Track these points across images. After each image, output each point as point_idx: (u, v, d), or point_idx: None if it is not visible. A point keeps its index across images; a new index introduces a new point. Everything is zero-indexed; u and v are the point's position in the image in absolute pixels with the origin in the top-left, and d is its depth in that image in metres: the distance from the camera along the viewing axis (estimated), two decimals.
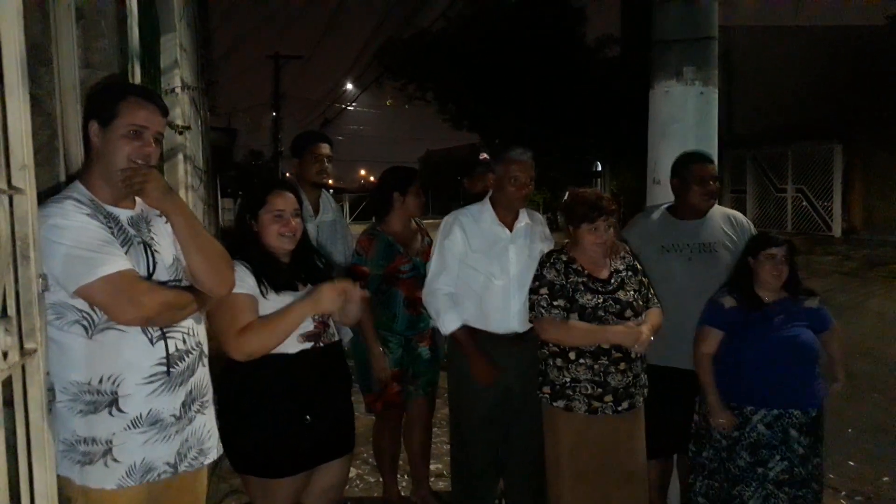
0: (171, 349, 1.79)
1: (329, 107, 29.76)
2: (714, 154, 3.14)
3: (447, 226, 2.95)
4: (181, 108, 4.71)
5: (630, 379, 2.62)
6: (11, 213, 1.41)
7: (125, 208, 1.80)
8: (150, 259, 1.78)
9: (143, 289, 1.70)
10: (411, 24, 18.14)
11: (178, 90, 4.49)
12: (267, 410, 2.21)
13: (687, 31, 3.14)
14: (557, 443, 2.66)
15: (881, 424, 4.62)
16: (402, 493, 3.53)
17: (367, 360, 3.19)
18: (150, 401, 1.75)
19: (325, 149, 3.44)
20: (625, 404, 2.62)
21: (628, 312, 2.61)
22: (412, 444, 3.39)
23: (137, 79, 2.56)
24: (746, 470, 2.64)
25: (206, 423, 1.94)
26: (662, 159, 3.21)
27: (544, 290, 2.64)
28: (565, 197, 2.76)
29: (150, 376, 1.75)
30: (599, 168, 21.42)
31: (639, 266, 2.77)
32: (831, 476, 3.65)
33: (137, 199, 1.83)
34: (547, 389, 2.68)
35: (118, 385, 1.71)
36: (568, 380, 2.61)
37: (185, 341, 1.83)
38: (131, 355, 1.72)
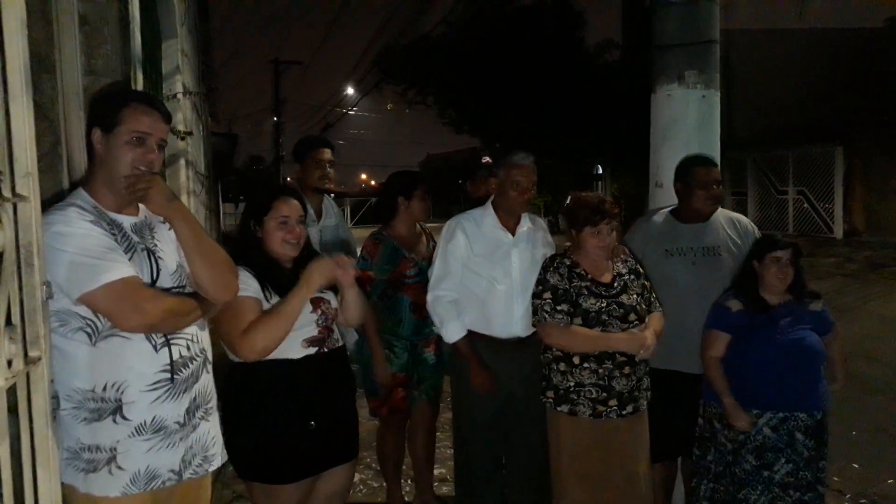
0: (175, 356, 1.78)
1: (330, 111, 29.82)
2: (717, 157, 3.14)
3: (450, 230, 2.95)
4: (183, 114, 4.72)
5: (634, 382, 2.62)
6: (16, 221, 1.40)
7: (129, 215, 1.80)
8: (154, 266, 1.78)
9: (147, 296, 1.70)
10: (412, 30, 18.19)
11: (179, 96, 4.50)
12: (271, 416, 2.20)
13: (688, 35, 3.14)
14: (561, 447, 2.66)
15: (885, 426, 4.60)
16: (406, 499, 3.52)
17: (372, 365, 3.18)
18: (154, 408, 1.75)
19: (327, 154, 3.44)
20: (629, 408, 2.61)
21: (632, 316, 2.61)
22: (416, 449, 3.38)
23: (140, 85, 2.56)
24: (752, 473, 2.63)
25: (211, 429, 1.94)
26: (665, 163, 3.21)
27: (548, 295, 2.64)
28: (568, 201, 2.76)
29: (155, 383, 1.75)
30: (600, 171, 21.43)
31: (641, 269, 2.77)
32: (835, 479, 3.64)
33: (141, 205, 1.83)
34: (550, 394, 2.67)
35: (122, 392, 1.70)
36: (572, 384, 2.61)
37: (189, 348, 1.82)
38: (135, 362, 1.72)
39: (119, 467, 1.72)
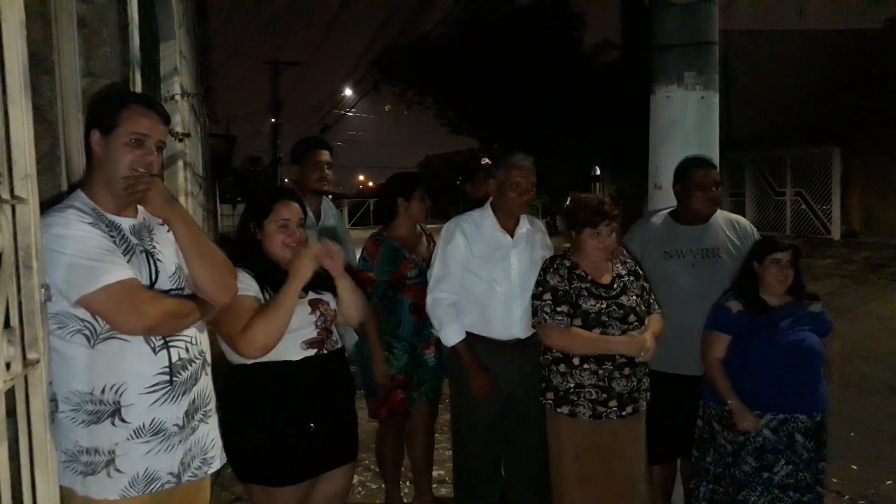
0: (174, 358, 1.78)
1: (328, 113, 29.82)
2: (716, 159, 3.15)
3: (449, 231, 2.95)
4: (181, 116, 4.71)
5: (634, 384, 2.62)
6: (14, 223, 1.40)
7: (127, 217, 1.79)
8: (153, 268, 1.78)
9: (146, 298, 1.69)
10: (411, 30, 18.20)
11: (177, 97, 4.49)
12: (270, 418, 2.20)
13: (687, 36, 3.14)
14: (561, 448, 2.66)
15: (883, 427, 4.61)
16: (405, 500, 3.52)
17: (372, 365, 3.18)
18: (153, 410, 1.74)
19: (326, 156, 3.43)
20: (629, 409, 2.61)
21: (631, 317, 2.61)
22: (415, 451, 3.38)
23: (138, 87, 2.56)
24: (752, 475, 2.63)
25: (210, 432, 1.93)
26: (664, 164, 3.21)
27: (548, 296, 2.64)
28: (567, 202, 2.76)
29: (153, 386, 1.74)
30: (598, 172, 21.46)
31: (640, 271, 2.77)
32: (834, 480, 3.64)
33: (139, 207, 1.83)
34: (550, 395, 2.67)
35: (121, 395, 1.70)
36: (572, 385, 2.61)
37: (188, 350, 1.82)
38: (134, 365, 1.72)
39: (118, 470, 1.71)
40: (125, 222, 1.78)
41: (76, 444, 1.69)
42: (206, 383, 1.90)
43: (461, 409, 3.01)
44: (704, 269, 2.90)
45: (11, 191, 1.39)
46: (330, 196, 3.69)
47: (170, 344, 1.78)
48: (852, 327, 7.14)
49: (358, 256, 3.40)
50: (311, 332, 2.28)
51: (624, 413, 2.60)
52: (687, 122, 3.18)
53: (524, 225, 2.95)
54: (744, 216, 3.20)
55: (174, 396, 1.78)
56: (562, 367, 2.63)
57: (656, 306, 2.75)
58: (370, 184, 47.71)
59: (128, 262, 1.71)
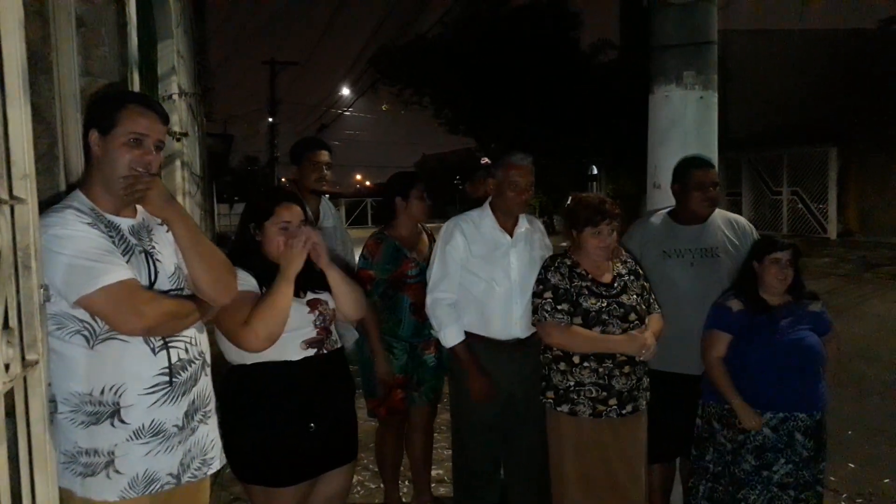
0: (174, 359, 1.77)
1: (325, 112, 29.80)
2: (714, 158, 3.15)
3: (448, 231, 2.94)
4: (178, 115, 4.70)
5: (634, 382, 2.62)
6: (13, 224, 1.39)
7: (126, 217, 1.79)
8: (152, 268, 1.77)
9: (145, 298, 1.69)
10: (407, 31, 18.21)
11: (175, 97, 4.48)
12: (270, 418, 2.20)
13: (686, 36, 3.14)
14: (561, 447, 2.66)
15: (881, 426, 4.62)
16: (404, 500, 3.51)
17: (371, 365, 3.19)
18: (152, 411, 1.73)
19: (325, 156, 3.43)
20: (629, 407, 2.62)
21: (632, 316, 2.61)
22: (414, 451, 3.38)
23: (136, 86, 2.55)
24: (751, 473, 2.63)
25: (209, 433, 1.93)
26: (662, 164, 3.21)
27: (548, 294, 2.64)
28: (569, 201, 2.76)
29: (153, 386, 1.74)
30: (595, 172, 21.47)
31: (641, 271, 2.77)
32: (832, 478, 3.65)
33: (139, 207, 1.82)
34: (550, 394, 2.67)
35: (120, 396, 1.69)
36: (572, 384, 2.61)
37: (187, 351, 1.81)
38: (133, 365, 1.71)
39: (117, 471, 1.70)
40: (124, 222, 1.77)
41: (75, 445, 1.68)
42: (205, 384, 1.90)
43: (461, 410, 3.01)
44: (703, 269, 2.90)
45: (10, 191, 1.39)
46: (328, 195, 3.69)
47: (169, 345, 1.77)
48: (849, 326, 7.15)
49: (357, 255, 3.40)
50: (311, 332, 2.27)
51: (624, 412, 2.61)
52: (686, 122, 3.18)
53: (523, 224, 2.95)
54: (741, 215, 3.20)
55: (174, 397, 1.77)
56: (562, 366, 2.63)
57: (656, 306, 2.75)
58: (367, 183, 47.68)
59: (127, 262, 1.70)
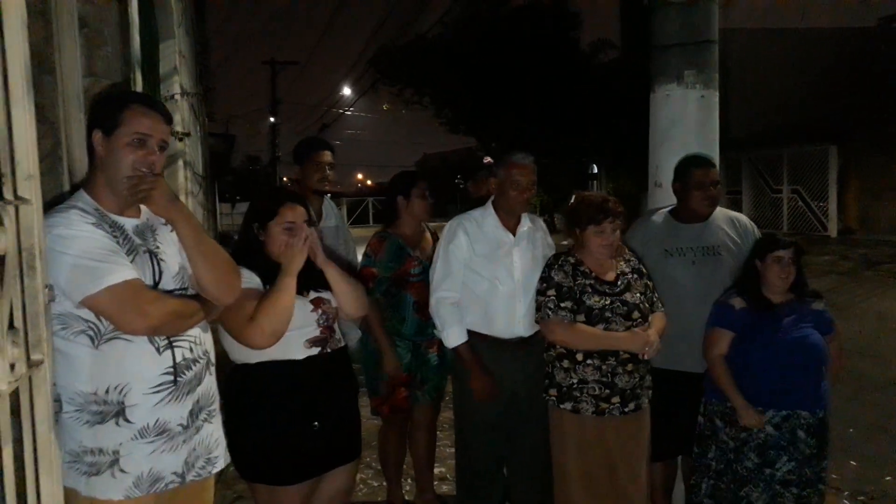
0: (179, 358, 1.78)
1: (326, 112, 29.81)
2: (716, 157, 3.15)
3: (451, 230, 2.95)
4: (181, 115, 4.72)
5: (637, 380, 2.63)
6: (18, 224, 1.40)
7: (130, 217, 1.79)
8: (156, 268, 1.78)
9: (150, 298, 1.69)
10: (408, 30, 18.23)
11: (177, 97, 4.50)
12: (274, 417, 2.20)
13: (687, 35, 3.14)
14: (564, 445, 2.66)
15: (882, 424, 4.62)
16: (406, 498, 3.52)
17: (374, 363, 3.20)
18: (157, 410, 1.74)
19: (327, 156, 3.44)
20: (631, 405, 2.62)
21: (635, 314, 2.62)
22: (417, 449, 3.39)
23: (139, 87, 2.56)
24: (754, 471, 2.64)
25: (214, 431, 1.93)
26: (664, 163, 3.22)
27: (552, 292, 2.65)
28: (572, 199, 2.77)
29: (157, 386, 1.74)
30: (595, 171, 21.47)
31: (644, 269, 2.78)
32: (834, 476, 3.64)
33: (143, 207, 1.83)
34: (553, 392, 2.68)
35: (125, 395, 1.70)
36: (575, 381, 2.62)
37: (192, 350, 1.82)
38: (138, 365, 1.72)
39: (122, 470, 1.71)
40: (128, 222, 1.78)
41: (80, 444, 1.69)
42: (210, 383, 1.90)
43: (464, 409, 3.00)
44: (705, 267, 2.90)
45: (15, 191, 1.39)
46: (329, 195, 3.70)
47: (174, 344, 1.78)
48: (849, 324, 7.15)
49: (360, 255, 3.41)
50: (314, 331, 2.28)
51: (627, 409, 2.61)
52: (687, 121, 3.18)
53: (525, 223, 2.95)
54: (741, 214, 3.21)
55: (178, 396, 1.78)
56: (565, 363, 2.64)
57: (660, 304, 2.76)
58: (369, 182, 47.68)
59: (131, 262, 1.71)
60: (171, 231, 1.86)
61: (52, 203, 1.74)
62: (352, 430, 2.44)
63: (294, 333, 2.21)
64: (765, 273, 2.68)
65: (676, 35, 3.17)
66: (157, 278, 1.77)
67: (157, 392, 1.74)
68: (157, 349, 1.74)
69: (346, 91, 27.70)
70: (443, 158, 33.53)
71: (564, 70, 15.97)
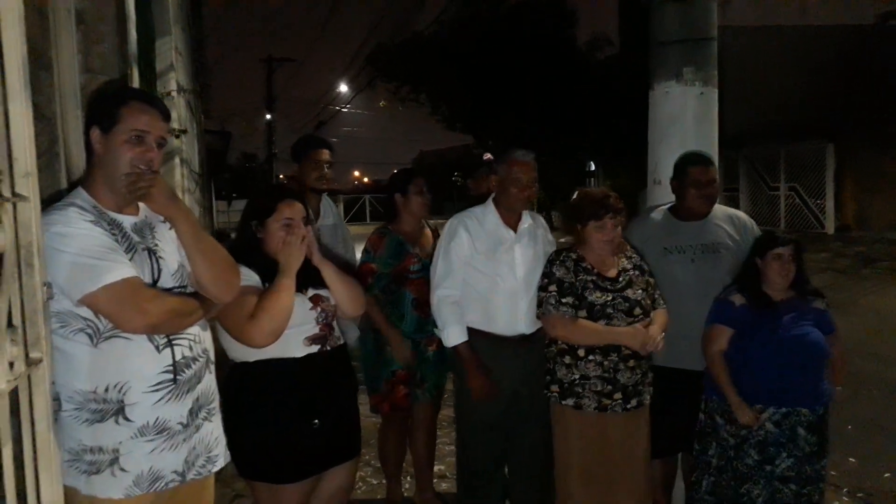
0: (178, 356, 1.77)
1: (323, 109, 29.74)
2: (715, 154, 3.14)
3: (452, 228, 2.94)
4: (177, 112, 4.69)
5: (639, 376, 2.63)
6: (15, 221, 1.39)
7: (129, 214, 1.78)
8: (155, 266, 1.77)
9: (149, 296, 1.68)
10: (405, 27, 18.21)
11: (174, 94, 4.47)
12: (274, 415, 2.20)
13: (686, 32, 3.14)
14: (567, 441, 2.66)
15: (880, 421, 4.63)
16: (406, 496, 3.52)
17: (374, 360, 3.19)
18: (157, 409, 1.73)
19: (326, 155, 3.44)
20: (633, 402, 2.62)
21: (637, 311, 2.62)
22: (417, 447, 3.39)
23: (136, 83, 2.54)
24: (754, 468, 2.64)
25: (214, 430, 1.92)
26: (663, 160, 3.21)
27: (553, 288, 2.65)
28: (574, 196, 2.77)
29: (157, 384, 1.73)
30: (593, 168, 21.48)
31: (646, 266, 2.78)
32: (833, 473, 3.65)
33: (141, 205, 1.82)
34: (555, 388, 2.68)
35: (124, 393, 1.69)
36: (577, 377, 2.61)
37: (191, 348, 1.81)
38: (137, 363, 1.71)
39: (122, 469, 1.70)
40: (127, 220, 1.76)
41: (80, 443, 1.68)
42: (209, 381, 1.90)
43: (465, 408, 2.99)
44: (704, 265, 2.90)
45: (12, 188, 1.38)
46: (326, 192, 3.70)
47: (173, 342, 1.77)
48: (847, 321, 7.15)
49: (358, 253, 3.41)
50: (313, 329, 2.27)
51: (629, 406, 2.61)
52: (686, 118, 3.18)
53: (526, 220, 2.94)
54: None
55: (178, 395, 1.77)
56: (567, 359, 2.64)
57: (661, 301, 2.75)
58: (365, 180, 47.64)
59: (130, 260, 1.70)
60: (170, 229, 1.85)
61: (50, 200, 1.73)
62: (351, 428, 2.44)
63: (293, 331, 2.20)
64: (765, 270, 2.68)
65: (676, 32, 3.17)
66: (155, 276, 1.76)
67: (157, 390, 1.73)
68: (157, 347, 1.74)
69: (343, 88, 27.64)
70: (440, 156, 33.52)
71: (561, 67, 15.97)
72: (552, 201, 18.33)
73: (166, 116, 1.84)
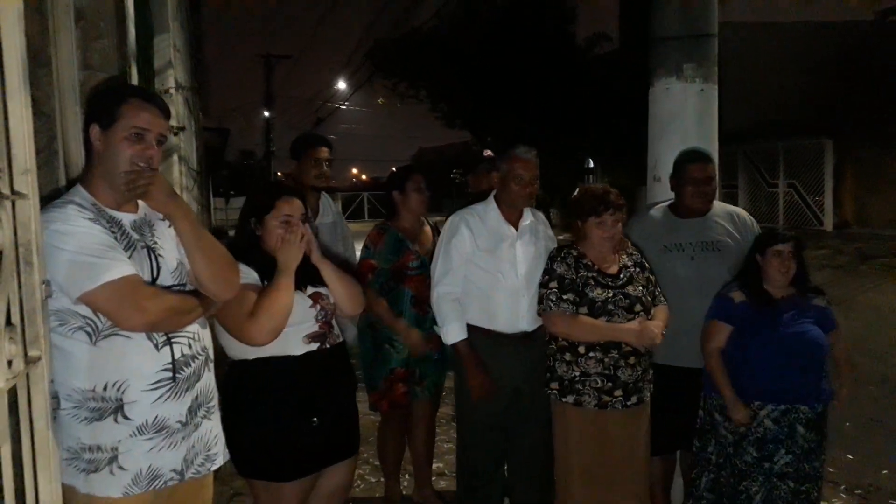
0: (177, 354, 1.76)
1: (321, 106, 29.70)
2: (714, 151, 3.14)
3: (453, 225, 2.93)
4: (175, 109, 4.66)
5: (639, 373, 2.63)
6: (14, 219, 1.38)
7: (128, 212, 1.77)
8: (154, 263, 1.76)
9: (148, 294, 1.68)
10: (403, 24, 18.17)
11: (172, 91, 4.45)
12: (273, 413, 2.19)
13: (686, 29, 3.14)
14: (567, 438, 2.67)
15: (878, 417, 4.64)
16: (404, 493, 3.52)
17: (372, 358, 3.21)
18: (155, 407, 1.72)
19: (325, 152, 3.44)
20: (633, 398, 2.62)
21: (637, 307, 2.62)
22: (416, 445, 3.39)
23: (135, 80, 2.53)
24: (753, 465, 2.64)
25: (213, 428, 1.92)
26: (663, 157, 3.21)
27: (554, 284, 2.65)
28: (575, 192, 2.77)
29: (156, 382, 1.73)
30: (591, 165, 21.46)
31: (646, 263, 2.77)
32: (830, 470, 3.65)
33: (140, 202, 1.81)
34: (555, 385, 2.68)
35: (123, 392, 1.68)
36: (577, 374, 2.61)
37: (190, 346, 1.80)
38: (136, 361, 1.70)
39: (121, 467, 1.69)
40: (126, 217, 1.76)
41: (78, 441, 1.67)
42: (208, 379, 1.89)
43: (465, 406, 2.99)
44: (704, 263, 2.90)
45: (11, 186, 1.37)
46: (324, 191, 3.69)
47: (172, 340, 1.76)
48: (845, 318, 7.15)
49: (358, 250, 3.41)
50: (313, 326, 2.27)
51: (629, 403, 2.61)
52: (686, 115, 3.18)
53: (528, 217, 2.94)
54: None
55: (177, 393, 1.76)
56: (567, 356, 2.64)
57: (662, 298, 2.75)
58: (364, 177, 47.63)
59: (129, 257, 1.69)
60: (169, 226, 1.85)
61: (49, 198, 1.72)
62: (350, 426, 2.44)
63: (292, 329, 2.20)
64: (765, 267, 2.67)
65: (676, 29, 3.17)
66: (155, 274, 1.75)
67: (156, 388, 1.72)
68: (156, 345, 1.73)
69: (342, 85, 27.58)
70: (439, 153, 33.48)
71: (560, 63, 15.95)
72: (551, 198, 18.33)
73: (166, 114, 1.84)
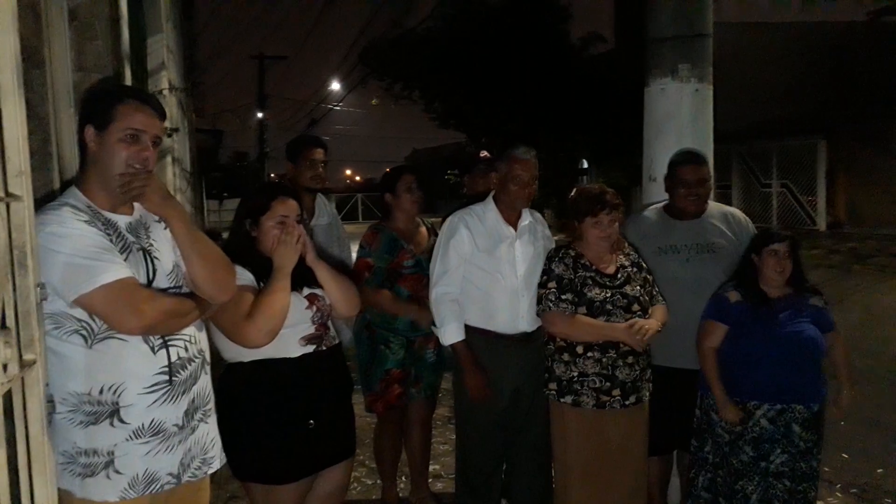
0: (174, 357, 1.76)
1: (315, 107, 29.62)
2: (710, 151, 3.15)
3: (452, 226, 2.92)
4: (169, 110, 4.65)
5: (637, 373, 2.63)
6: (9, 221, 1.37)
7: (123, 214, 1.76)
8: (150, 266, 1.75)
9: (144, 297, 1.67)
10: (397, 25, 18.15)
11: (165, 92, 4.44)
12: (269, 416, 2.18)
13: (681, 29, 3.15)
14: (566, 439, 2.67)
15: (873, 417, 4.66)
16: (401, 496, 3.51)
17: (368, 359, 3.21)
18: (152, 411, 1.72)
19: (320, 154, 3.44)
20: (632, 398, 2.63)
21: (635, 307, 2.62)
22: (412, 446, 3.38)
23: (128, 81, 2.52)
24: (749, 464, 2.65)
25: (209, 431, 1.91)
26: (658, 157, 3.22)
27: (552, 284, 2.65)
28: (572, 192, 2.77)
29: (152, 385, 1.72)
30: (585, 165, 21.49)
31: (644, 263, 2.78)
32: (826, 469, 3.67)
33: (136, 204, 1.80)
34: (553, 386, 2.68)
35: (119, 395, 1.67)
36: (575, 374, 2.61)
37: (187, 349, 1.79)
38: (132, 364, 1.69)
39: (117, 471, 1.69)
40: (121, 220, 1.75)
41: (74, 445, 1.66)
42: (205, 382, 1.88)
43: (465, 407, 2.98)
44: (699, 264, 2.89)
45: (6, 188, 1.36)
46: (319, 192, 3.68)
47: (169, 343, 1.75)
48: (839, 317, 7.09)
49: (353, 252, 3.41)
50: (309, 328, 2.26)
51: (627, 402, 2.61)
52: (681, 115, 3.19)
53: (526, 217, 2.93)
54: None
55: (173, 396, 1.75)
56: (565, 357, 2.64)
57: (660, 298, 2.76)
58: (357, 178, 47.61)
59: (125, 260, 1.68)
60: (165, 228, 1.84)
61: (44, 200, 1.71)
62: (346, 428, 2.43)
63: (289, 331, 2.19)
64: (761, 267, 2.68)
65: (671, 29, 3.18)
66: (150, 276, 1.74)
67: (152, 392, 1.71)
68: (152, 348, 1.72)
69: (336, 86, 27.52)
70: (433, 153, 33.48)
71: (555, 63, 15.95)
72: (546, 199, 18.34)
73: (162, 115, 1.83)
